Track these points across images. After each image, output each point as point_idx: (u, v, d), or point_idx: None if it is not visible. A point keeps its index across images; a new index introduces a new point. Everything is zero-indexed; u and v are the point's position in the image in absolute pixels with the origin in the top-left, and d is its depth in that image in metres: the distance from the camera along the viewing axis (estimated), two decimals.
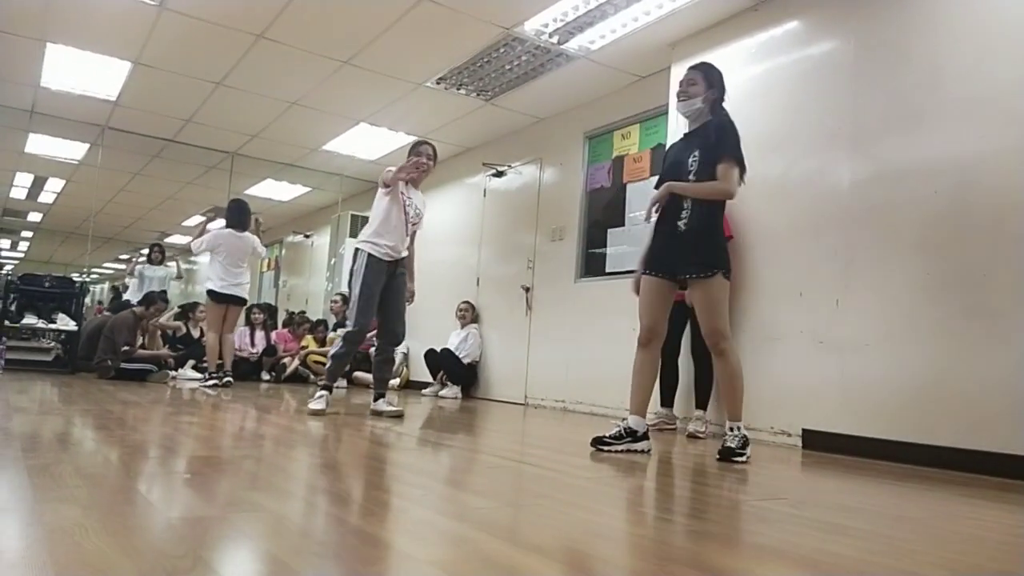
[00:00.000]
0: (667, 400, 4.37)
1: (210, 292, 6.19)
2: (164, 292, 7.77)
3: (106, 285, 17.20)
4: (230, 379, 6.12)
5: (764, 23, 4.36)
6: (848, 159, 3.79)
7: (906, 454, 3.29)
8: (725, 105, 3.15)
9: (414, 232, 4.35)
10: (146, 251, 8.79)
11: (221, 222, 6.56)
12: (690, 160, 3.05)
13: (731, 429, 3.06)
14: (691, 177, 3.02)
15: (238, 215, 6.39)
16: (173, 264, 8.90)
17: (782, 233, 4.07)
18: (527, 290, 6.54)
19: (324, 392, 4.15)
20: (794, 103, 4.11)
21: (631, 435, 3.03)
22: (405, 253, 4.29)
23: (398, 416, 4.15)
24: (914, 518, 2.08)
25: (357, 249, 4.19)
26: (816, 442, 3.71)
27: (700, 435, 4.06)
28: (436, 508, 1.81)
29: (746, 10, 4.45)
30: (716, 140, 3.01)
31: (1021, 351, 3.00)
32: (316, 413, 4.01)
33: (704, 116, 3.11)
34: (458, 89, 6.06)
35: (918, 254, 3.42)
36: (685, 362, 4.40)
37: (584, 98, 6.06)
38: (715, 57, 4.62)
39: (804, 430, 3.78)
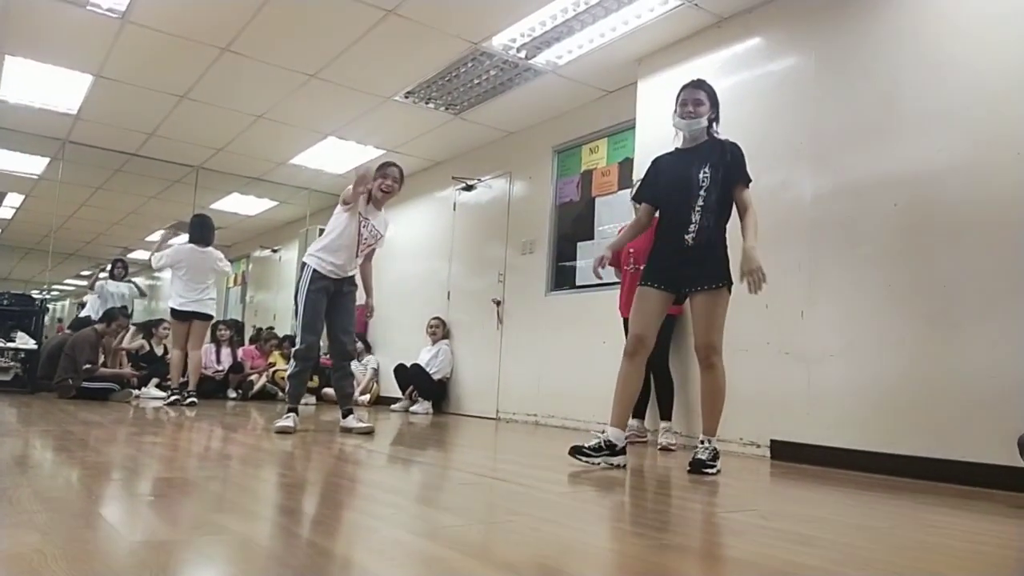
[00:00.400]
0: (639, 412, 4.39)
1: (172, 311, 6.08)
2: (125, 308, 7.60)
3: (67, 302, 16.81)
4: (194, 399, 5.97)
5: (727, 40, 4.44)
6: (811, 173, 3.86)
7: (872, 463, 3.35)
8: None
9: (371, 251, 4.33)
10: (108, 267, 8.61)
11: (184, 237, 6.44)
12: (701, 176, 3.10)
13: (703, 442, 3.09)
14: (702, 192, 3.08)
15: (200, 230, 6.26)
16: (137, 279, 8.72)
17: None
18: (498, 303, 6.53)
19: (291, 413, 4.09)
20: (758, 118, 4.18)
21: (610, 448, 3.02)
22: (353, 271, 4.24)
23: (368, 433, 4.11)
24: (879, 528, 2.11)
25: (304, 263, 4.16)
26: (784, 453, 3.75)
27: (672, 447, 4.08)
28: (407, 527, 1.79)
29: (709, 27, 4.53)
30: (733, 162, 3.10)
31: (981, 359, 3.07)
32: (284, 431, 3.95)
33: (702, 135, 3.19)
34: (427, 103, 6.07)
35: (880, 265, 3.49)
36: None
37: (552, 112, 6.10)
38: (680, 72, 4.70)
39: (772, 441, 3.82)
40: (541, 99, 5.84)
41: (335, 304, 4.16)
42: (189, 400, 5.93)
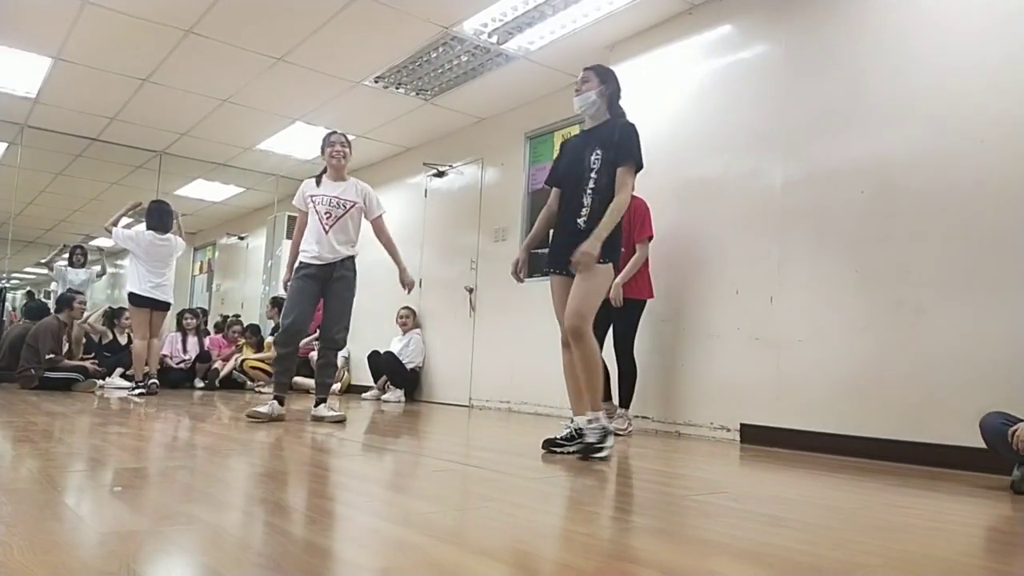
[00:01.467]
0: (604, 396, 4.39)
1: (130, 295, 6.04)
2: (81, 293, 7.42)
3: (30, 291, 16.38)
4: (155, 383, 6.03)
5: (698, 27, 4.45)
6: (781, 160, 3.90)
7: (840, 446, 3.41)
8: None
9: (379, 225, 4.34)
10: (67, 253, 8.41)
11: (142, 224, 6.34)
12: (592, 158, 3.05)
13: (590, 421, 2.94)
14: (592, 175, 3.02)
15: (159, 217, 6.17)
16: (97, 266, 8.51)
17: (718, 232, 4.16)
18: (470, 291, 6.52)
19: (273, 401, 4.05)
20: (729, 105, 4.21)
21: (580, 436, 3.04)
22: (346, 252, 4.19)
23: (340, 421, 4.08)
24: (848, 508, 2.15)
25: None
26: (754, 436, 3.81)
27: (620, 432, 4.09)
28: (381, 514, 1.78)
29: (681, 13, 4.54)
30: (619, 141, 3.02)
31: (945, 344, 3.14)
32: (255, 416, 3.92)
33: (603, 114, 3.15)
34: (397, 88, 6.00)
35: (847, 252, 3.55)
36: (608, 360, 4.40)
37: (524, 98, 6.07)
38: (652, 58, 4.71)
39: (742, 425, 3.88)
40: (513, 85, 5.80)
41: (327, 292, 4.17)
42: (150, 385, 5.96)
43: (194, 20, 4.93)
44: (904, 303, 3.30)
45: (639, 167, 3.04)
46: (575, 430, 3.04)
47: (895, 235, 3.37)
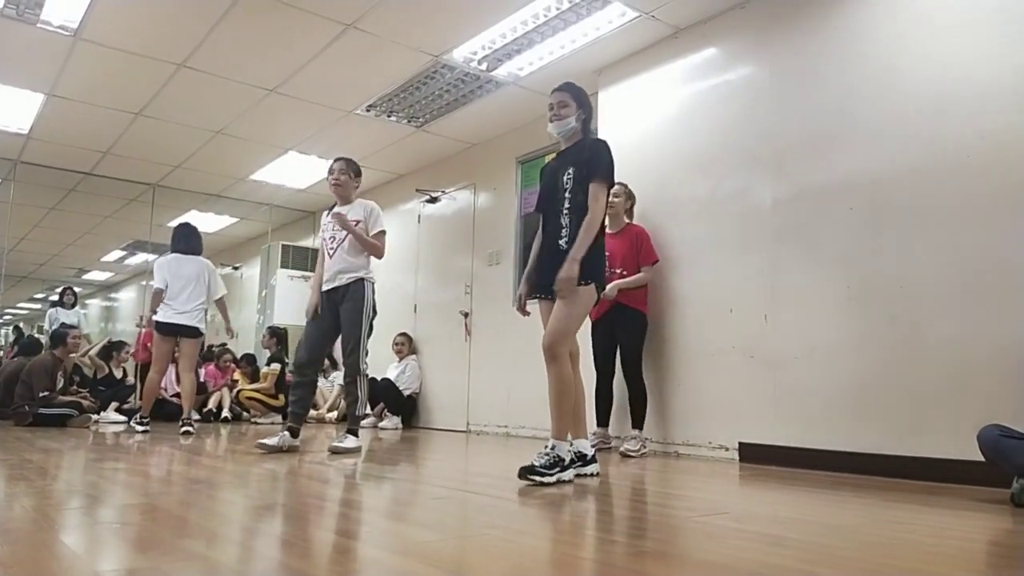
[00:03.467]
0: (603, 420, 4.40)
1: (155, 324, 5.52)
2: (75, 327, 7.42)
3: (18, 326, 16.32)
4: (189, 423, 5.35)
5: (684, 50, 4.51)
6: (770, 179, 3.94)
7: (838, 462, 3.41)
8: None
9: (378, 238, 4.17)
10: (57, 295, 8.47)
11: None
12: (564, 178, 3.04)
13: (546, 447, 2.88)
14: (567, 195, 3.01)
15: (184, 240, 5.71)
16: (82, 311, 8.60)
17: (710, 251, 4.19)
18: (466, 315, 6.52)
19: (285, 432, 4.03)
20: (717, 126, 4.26)
21: (581, 459, 3.04)
22: (351, 276, 4.10)
23: (341, 452, 3.96)
24: (849, 526, 2.15)
25: None
26: (753, 455, 3.80)
27: (632, 454, 4.09)
28: (381, 544, 1.77)
29: (667, 38, 4.60)
30: (589, 157, 3.00)
31: (939, 357, 3.16)
32: (264, 447, 3.91)
33: (577, 135, 3.13)
34: (388, 116, 6.05)
35: (839, 268, 3.57)
36: (619, 382, 4.43)
37: (515, 123, 6.13)
38: (640, 82, 4.77)
39: (741, 443, 3.87)
40: (503, 110, 5.86)
41: (341, 317, 4.13)
42: (189, 423, 5.36)
43: (186, 54, 4.98)
44: (898, 317, 3.32)
45: (610, 183, 3.02)
46: (576, 454, 3.02)
47: (886, 250, 3.40)
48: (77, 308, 8.49)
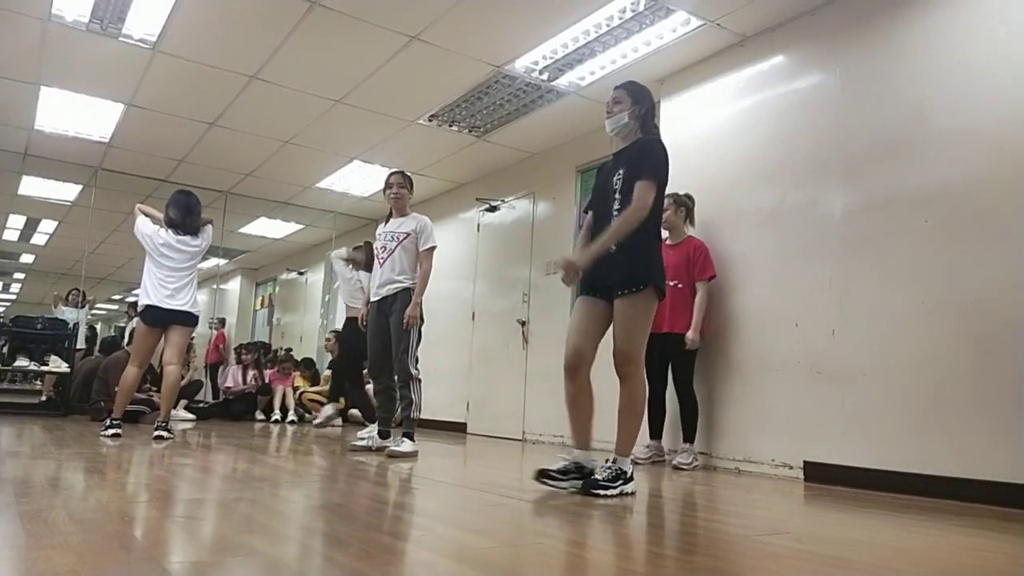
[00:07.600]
0: (656, 432, 4.34)
1: (141, 311, 4.72)
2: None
3: (99, 326, 17.10)
4: (165, 426, 4.57)
5: (750, 58, 4.43)
6: (840, 189, 3.82)
7: (907, 484, 3.27)
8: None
9: (425, 254, 4.23)
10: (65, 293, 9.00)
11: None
12: (615, 180, 2.96)
13: (610, 461, 2.84)
14: (617, 196, 2.93)
15: (181, 212, 4.78)
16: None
17: (776, 264, 4.09)
18: (523, 324, 6.53)
19: (375, 434, 4.30)
20: (784, 135, 4.16)
21: (579, 471, 2.89)
22: (399, 285, 4.19)
23: (403, 456, 4.00)
24: (916, 550, 2.06)
25: None
26: (818, 474, 3.68)
27: (684, 467, 4.02)
28: (435, 549, 1.78)
29: (732, 46, 4.53)
30: (638, 156, 2.92)
31: (1014, 377, 3.00)
32: (355, 448, 4.25)
33: (634, 133, 3.04)
34: (450, 126, 6.12)
35: (911, 282, 3.44)
36: (671, 395, 4.35)
37: (575, 133, 6.12)
38: (704, 91, 4.70)
39: (806, 462, 3.75)
40: (564, 120, 5.86)
41: (383, 326, 4.27)
42: (113, 430, 4.46)
43: (258, 66, 5.15)
44: (972, 333, 3.17)
45: (661, 183, 2.91)
46: (573, 464, 2.91)
47: (960, 264, 3.25)
48: (85, 309, 9.02)
